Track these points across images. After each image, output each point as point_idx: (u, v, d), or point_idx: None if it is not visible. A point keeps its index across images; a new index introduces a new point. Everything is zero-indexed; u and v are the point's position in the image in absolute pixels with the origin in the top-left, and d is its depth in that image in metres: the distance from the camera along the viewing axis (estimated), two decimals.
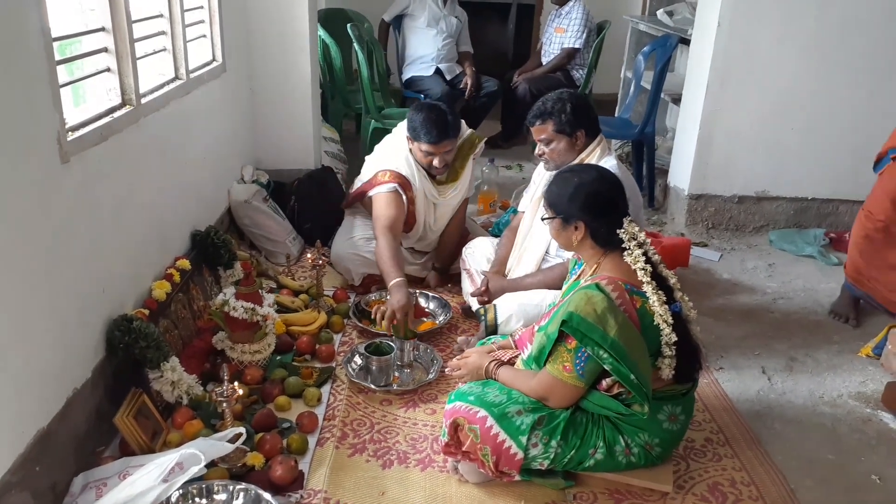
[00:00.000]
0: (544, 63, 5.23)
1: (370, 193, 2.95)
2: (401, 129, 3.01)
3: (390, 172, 2.90)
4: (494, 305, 2.50)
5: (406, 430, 2.19)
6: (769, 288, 3.27)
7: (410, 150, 2.91)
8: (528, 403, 1.86)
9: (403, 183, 2.89)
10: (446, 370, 2.21)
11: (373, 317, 2.62)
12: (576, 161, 2.44)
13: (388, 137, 3.11)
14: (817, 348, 2.77)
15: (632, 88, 4.55)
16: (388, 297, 2.63)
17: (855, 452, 2.19)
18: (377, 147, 3.12)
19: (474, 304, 2.70)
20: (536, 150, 2.53)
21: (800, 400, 2.45)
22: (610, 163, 2.41)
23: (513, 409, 1.84)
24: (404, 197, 2.89)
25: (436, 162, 2.86)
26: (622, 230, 1.86)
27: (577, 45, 5.02)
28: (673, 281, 1.89)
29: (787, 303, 3.14)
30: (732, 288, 3.27)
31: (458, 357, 2.20)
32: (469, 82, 5.01)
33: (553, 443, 1.82)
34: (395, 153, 2.96)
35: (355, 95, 4.76)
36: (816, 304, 3.12)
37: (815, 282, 3.33)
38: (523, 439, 1.81)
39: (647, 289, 1.80)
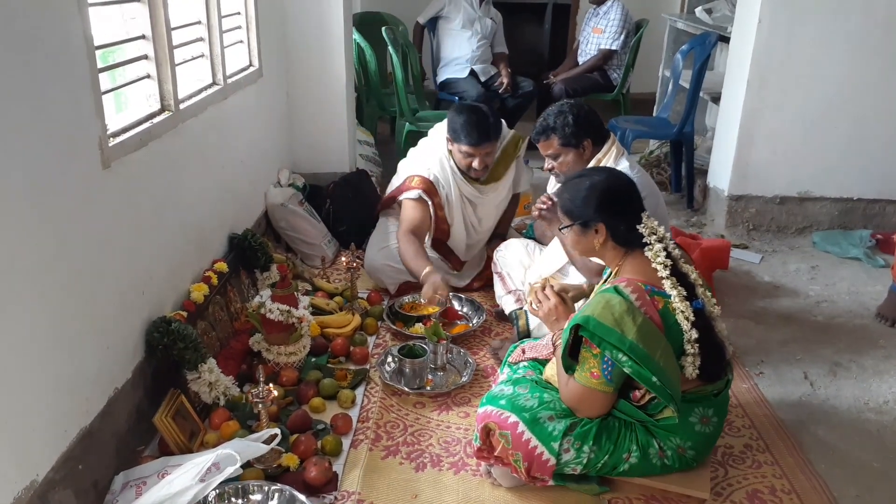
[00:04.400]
0: (580, 63, 5.18)
1: (400, 198, 2.99)
2: (436, 131, 3.03)
3: (418, 178, 2.93)
4: (525, 312, 2.49)
5: (439, 432, 2.19)
6: (812, 291, 3.19)
7: (450, 150, 2.92)
8: (560, 409, 1.84)
9: (429, 189, 2.91)
10: (530, 291, 2.11)
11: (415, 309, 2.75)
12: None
13: (422, 141, 3.13)
14: (863, 353, 2.69)
15: (670, 87, 4.49)
16: (425, 287, 2.62)
17: None
18: (411, 151, 3.14)
19: (507, 308, 2.69)
20: (546, 165, 2.51)
21: (844, 406, 2.38)
22: (623, 164, 2.39)
23: (544, 414, 1.82)
24: (430, 203, 2.91)
25: (475, 164, 2.86)
26: (641, 225, 1.84)
27: (614, 48, 4.97)
28: (694, 277, 1.85)
29: (831, 306, 3.06)
30: (774, 291, 3.19)
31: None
32: (505, 81, 4.99)
33: (585, 448, 1.80)
34: (427, 156, 2.98)
35: (390, 98, 4.78)
36: (862, 307, 3.03)
37: (861, 284, 3.23)
38: (555, 445, 1.79)
39: (666, 284, 1.76)
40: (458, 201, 2.97)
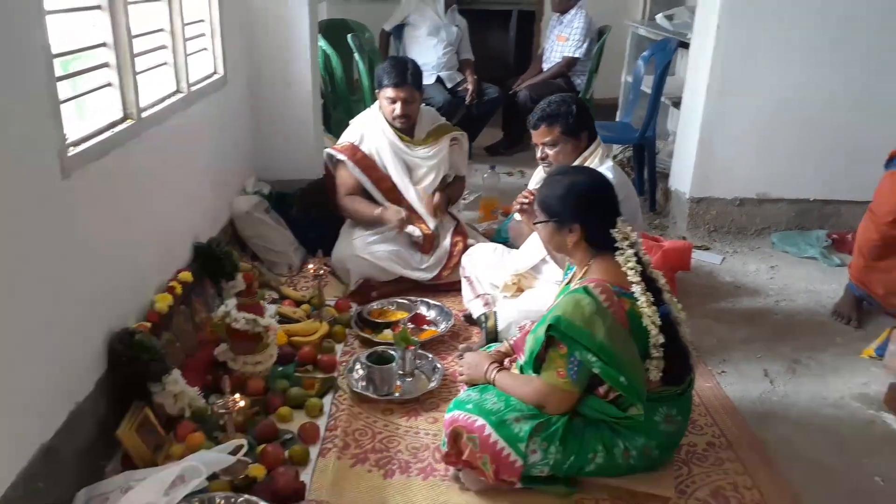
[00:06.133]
0: (545, 70, 5.23)
1: (327, 161, 3.33)
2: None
3: (343, 144, 3.23)
4: (494, 313, 2.51)
5: (408, 439, 2.19)
6: (771, 290, 3.27)
7: (381, 108, 3.19)
8: (527, 410, 1.86)
9: (350, 151, 3.18)
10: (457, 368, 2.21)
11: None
12: (576, 164, 2.44)
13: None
14: (820, 350, 2.76)
15: (632, 93, 4.56)
16: (388, 218, 3.08)
17: (858, 455, 2.19)
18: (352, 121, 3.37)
19: (475, 312, 2.71)
20: (539, 154, 2.52)
21: (803, 402, 2.44)
22: (607, 164, 2.43)
23: (511, 416, 1.84)
24: (356, 166, 3.16)
25: (397, 109, 3.10)
26: (615, 230, 1.86)
27: (577, 55, 5.01)
28: (662, 282, 1.90)
29: (790, 305, 3.13)
30: (735, 291, 3.26)
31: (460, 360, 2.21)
32: (470, 88, 5.02)
33: (552, 449, 1.82)
34: (361, 118, 3.29)
35: (357, 105, 4.77)
36: (819, 305, 3.12)
37: (818, 283, 3.32)
38: (522, 446, 1.81)
39: (636, 289, 1.80)
40: (390, 153, 3.16)
